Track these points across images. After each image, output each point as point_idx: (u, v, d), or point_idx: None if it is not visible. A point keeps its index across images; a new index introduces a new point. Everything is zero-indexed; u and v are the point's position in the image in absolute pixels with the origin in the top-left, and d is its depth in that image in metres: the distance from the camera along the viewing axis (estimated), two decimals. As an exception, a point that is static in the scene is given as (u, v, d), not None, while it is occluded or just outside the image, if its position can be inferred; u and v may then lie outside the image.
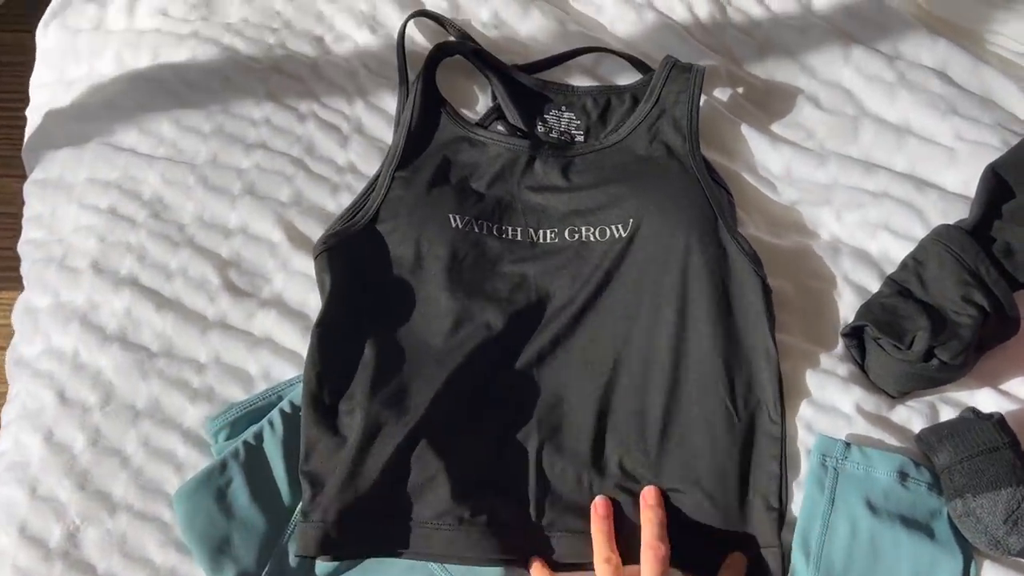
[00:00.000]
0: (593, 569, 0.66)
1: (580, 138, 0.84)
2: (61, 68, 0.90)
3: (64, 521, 0.68)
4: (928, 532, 0.67)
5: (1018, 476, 0.65)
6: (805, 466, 0.70)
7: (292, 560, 0.67)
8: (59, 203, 0.82)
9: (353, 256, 0.74)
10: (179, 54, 0.87)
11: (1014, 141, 0.82)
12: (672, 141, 0.80)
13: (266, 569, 0.66)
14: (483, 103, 0.86)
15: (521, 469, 0.69)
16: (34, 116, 0.90)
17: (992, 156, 0.80)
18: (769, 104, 0.87)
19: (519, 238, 0.77)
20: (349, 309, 0.72)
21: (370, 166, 0.83)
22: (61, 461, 0.70)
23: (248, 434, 0.69)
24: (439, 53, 0.84)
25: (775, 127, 0.86)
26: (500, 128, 0.84)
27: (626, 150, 0.81)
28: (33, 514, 0.69)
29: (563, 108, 0.85)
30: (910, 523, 0.68)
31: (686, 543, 0.66)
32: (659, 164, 0.79)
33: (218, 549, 0.66)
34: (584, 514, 0.68)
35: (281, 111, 0.85)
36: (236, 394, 0.73)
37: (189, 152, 0.83)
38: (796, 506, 0.69)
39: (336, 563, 0.67)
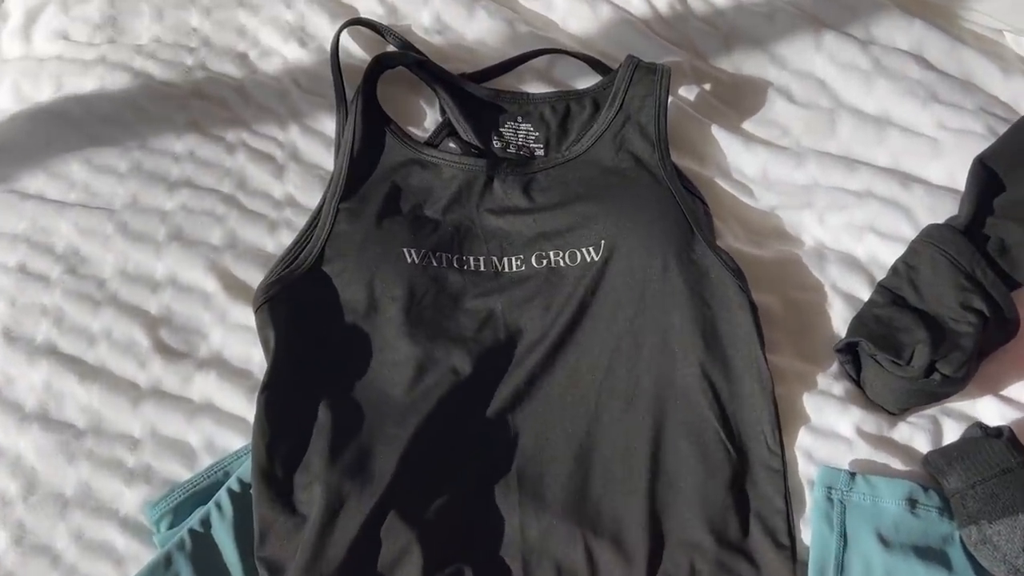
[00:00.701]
0: None
1: (540, 151, 0.78)
2: (-48, 102, 0.81)
3: (-9, 634, 0.61)
4: (943, 561, 0.64)
5: (1035, 498, 0.61)
6: (809, 499, 0.66)
7: None
8: (-40, 260, 0.73)
9: (299, 305, 0.67)
10: (85, 83, 0.80)
11: (998, 126, 0.79)
12: (640, 150, 0.75)
13: None
14: (431, 118, 0.80)
15: (501, 530, 0.64)
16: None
17: (977, 144, 0.77)
18: (739, 101, 0.82)
19: (482, 268, 0.71)
20: (298, 366, 0.66)
21: (311, 197, 0.76)
22: (-18, 564, 0.62)
23: (194, 520, 0.62)
24: (378, 66, 0.78)
25: (747, 125, 0.81)
26: (452, 146, 0.77)
27: (591, 162, 0.75)
28: (-45, 627, 0.61)
29: (519, 119, 0.79)
30: (924, 553, 0.64)
31: None
32: (627, 176, 0.74)
33: None
34: (575, 571, 0.62)
35: (206, 142, 0.78)
36: (177, 471, 0.66)
37: (105, 196, 0.75)
38: (802, 542, 0.65)
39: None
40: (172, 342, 0.70)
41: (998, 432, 0.65)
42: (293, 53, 0.82)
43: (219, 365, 0.69)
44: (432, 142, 0.77)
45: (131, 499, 0.65)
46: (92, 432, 0.66)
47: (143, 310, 0.71)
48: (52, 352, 0.69)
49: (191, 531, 0.62)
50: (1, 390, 0.67)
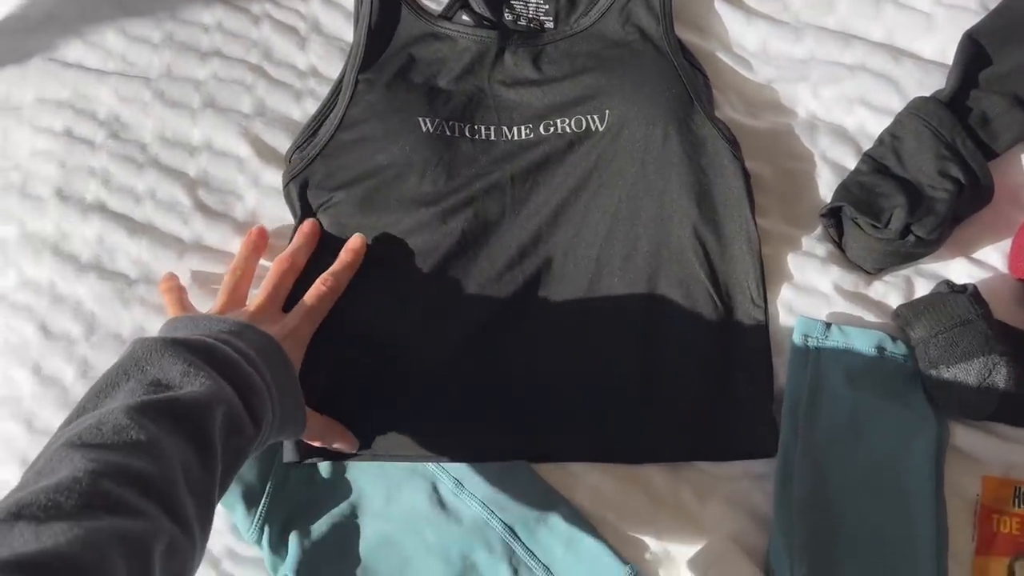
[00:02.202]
0: (584, 460, 0.69)
1: (550, 24, 0.80)
2: (-12, -24, 0.84)
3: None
4: (905, 401, 0.70)
5: (990, 346, 0.68)
6: (788, 345, 0.72)
7: (287, 460, 0.68)
8: (9, 126, 0.78)
9: (317, 179, 0.73)
10: (117, -44, 0.82)
11: (992, 4, 0.80)
12: (645, 23, 0.78)
13: (269, 484, 0.68)
14: (445, -9, 0.82)
15: (511, 367, 0.70)
16: (-33, 31, 0.84)
17: (970, 21, 0.79)
18: (743, -24, 0.84)
19: (492, 137, 0.75)
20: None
21: (333, 68, 0.79)
22: (53, 394, 0.70)
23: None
24: (395, -61, 0.79)
25: (749, 1, 0.83)
26: (465, 19, 0.80)
27: (598, 35, 0.78)
28: (33, 447, 0.69)
29: (529, -8, 0.81)
30: (888, 394, 0.70)
31: (673, 421, 0.69)
32: (633, 49, 0.77)
33: None
34: (579, 414, 0.69)
35: (233, 14, 0.80)
36: (221, 316, 0.72)
37: (141, 65, 0.79)
38: (779, 383, 0.71)
39: (340, 468, 0.70)
40: (211, 202, 0.75)
41: (963, 288, 0.70)
42: (312, -75, 0.84)
43: (255, 224, 0.74)
44: (446, 15, 0.80)
45: (181, 340, 0.72)
46: (143, 280, 0.73)
47: (183, 172, 0.76)
48: (102, 209, 0.74)
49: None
50: (58, 244, 0.73)
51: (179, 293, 0.69)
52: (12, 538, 0.36)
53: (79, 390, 0.70)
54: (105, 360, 0.71)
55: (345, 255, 0.69)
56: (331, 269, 0.68)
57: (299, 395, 0.59)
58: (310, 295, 0.66)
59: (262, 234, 0.72)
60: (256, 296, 0.66)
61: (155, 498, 0.42)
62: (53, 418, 0.70)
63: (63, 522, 0.38)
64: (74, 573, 0.36)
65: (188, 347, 0.51)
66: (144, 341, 0.51)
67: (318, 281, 0.67)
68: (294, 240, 0.70)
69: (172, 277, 0.70)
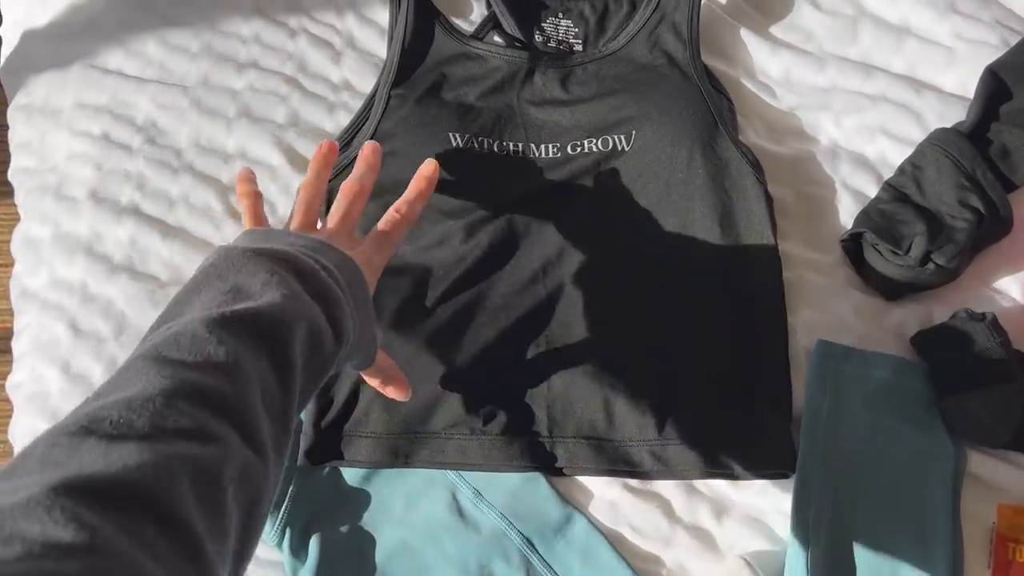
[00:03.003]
0: (599, 475, 0.70)
1: (579, 47, 0.82)
2: (33, -16, 0.86)
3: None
4: (923, 427, 0.71)
5: (1008, 375, 0.68)
6: (807, 367, 0.72)
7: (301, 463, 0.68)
8: (48, 129, 0.80)
9: None
10: (158, -33, 0.84)
11: (1012, 39, 0.82)
12: (672, 48, 0.79)
13: (291, 487, 0.69)
14: (477, 12, 0.84)
15: (530, 382, 0.71)
16: (10, 35, 0.86)
17: (990, 55, 0.80)
18: (769, 6, 0.86)
19: (520, 154, 0.76)
20: None
21: (366, 82, 0.81)
22: (81, 391, 0.71)
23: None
24: (430, -39, 0.82)
25: (774, 30, 0.85)
26: (497, 39, 0.82)
27: (626, 59, 0.80)
28: (59, 443, 0.70)
29: (560, 15, 0.83)
30: (905, 419, 0.71)
31: (691, 439, 0.69)
32: (660, 72, 0.78)
33: None
34: (598, 428, 0.69)
35: (270, 27, 0.83)
36: (249, 320, 0.73)
37: (179, 73, 0.81)
38: (798, 404, 0.71)
39: (361, 474, 0.70)
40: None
41: (982, 317, 0.71)
42: (351, -55, 0.86)
43: (286, 232, 0.76)
44: (477, 35, 0.82)
45: (209, 342, 0.73)
46: (173, 283, 0.74)
47: (216, 179, 0.77)
48: (136, 212, 0.76)
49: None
50: (92, 245, 0.75)
51: (256, 200, 0.64)
52: (81, 454, 0.35)
53: (106, 389, 0.71)
54: (133, 360, 0.72)
55: (419, 182, 0.66)
56: (404, 197, 0.65)
57: (373, 320, 0.56)
58: (384, 223, 0.63)
59: (333, 149, 0.67)
60: (328, 218, 0.63)
61: (230, 421, 0.40)
62: (79, 415, 0.71)
63: (133, 443, 0.36)
64: (140, 499, 0.34)
65: (270, 256, 0.48)
66: (225, 248, 0.49)
67: (391, 209, 0.64)
68: (357, 165, 0.66)
69: (250, 179, 0.66)
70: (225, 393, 0.41)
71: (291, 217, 0.63)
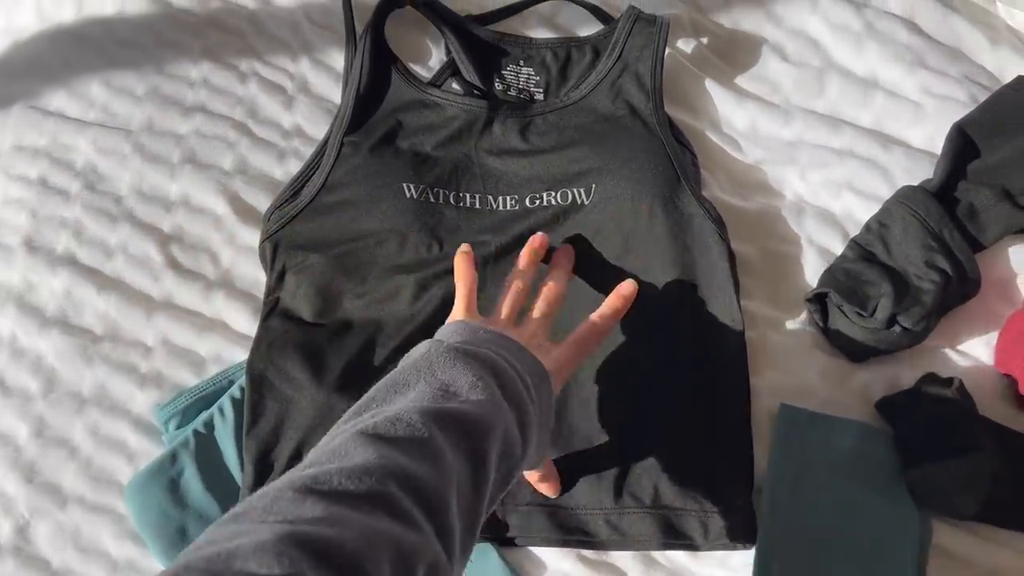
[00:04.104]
0: (553, 545, 0.67)
1: (540, 95, 0.81)
2: (-25, 20, 0.84)
3: (13, 515, 0.67)
4: (887, 496, 0.69)
5: (974, 442, 0.66)
6: (769, 432, 0.70)
7: None
8: (-17, 172, 0.77)
9: (297, 241, 0.72)
10: (105, 7, 0.82)
11: (980, 95, 0.81)
12: (635, 99, 0.78)
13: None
14: (436, 58, 0.83)
15: None
16: (-51, 72, 0.83)
17: (958, 111, 0.79)
18: (734, 56, 0.85)
19: (477, 206, 0.74)
20: None
21: (318, 129, 0.79)
22: (5, 453, 0.68)
23: (198, 422, 0.67)
24: (388, 5, 0.80)
25: (740, 80, 0.84)
26: (456, 87, 0.80)
27: (588, 109, 0.78)
28: (-20, 506, 0.66)
29: (521, 63, 0.81)
30: (870, 488, 0.69)
31: (648, 508, 0.66)
32: (622, 124, 0.77)
33: (173, 541, 0.65)
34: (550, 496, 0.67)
35: (220, 70, 0.80)
36: (186, 378, 0.70)
37: (123, 117, 0.78)
38: (760, 470, 0.69)
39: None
40: (184, 260, 0.74)
41: (949, 382, 0.69)
42: (306, -13, 0.85)
43: (227, 285, 0.73)
44: (436, 82, 0.80)
45: (142, 401, 0.69)
46: (108, 338, 0.71)
47: (157, 228, 0.74)
48: (72, 262, 0.73)
49: (195, 432, 0.67)
50: (23, 295, 0.72)
51: (473, 286, 0.66)
52: (303, 510, 0.38)
53: (32, 450, 0.68)
54: (62, 420, 0.68)
55: (616, 299, 0.68)
56: (601, 310, 0.66)
57: (552, 426, 0.59)
58: (579, 332, 0.65)
59: (543, 243, 0.70)
60: (528, 319, 0.65)
61: (430, 514, 0.43)
62: (2, 479, 0.67)
63: (350, 509, 0.39)
64: (347, 562, 0.37)
65: (477, 359, 0.52)
66: (437, 345, 0.53)
67: (590, 318, 0.66)
68: (554, 271, 0.69)
69: (471, 258, 0.68)
70: (431, 486, 0.44)
71: (498, 308, 0.65)
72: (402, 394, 0.49)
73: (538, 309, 0.66)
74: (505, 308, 0.65)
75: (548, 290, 0.67)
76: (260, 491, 0.40)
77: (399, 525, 0.40)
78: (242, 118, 0.79)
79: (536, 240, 0.70)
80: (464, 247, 0.69)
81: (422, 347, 0.53)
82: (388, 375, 0.52)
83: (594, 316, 0.66)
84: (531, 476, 0.64)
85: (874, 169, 0.79)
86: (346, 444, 0.44)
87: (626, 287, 0.68)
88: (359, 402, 0.49)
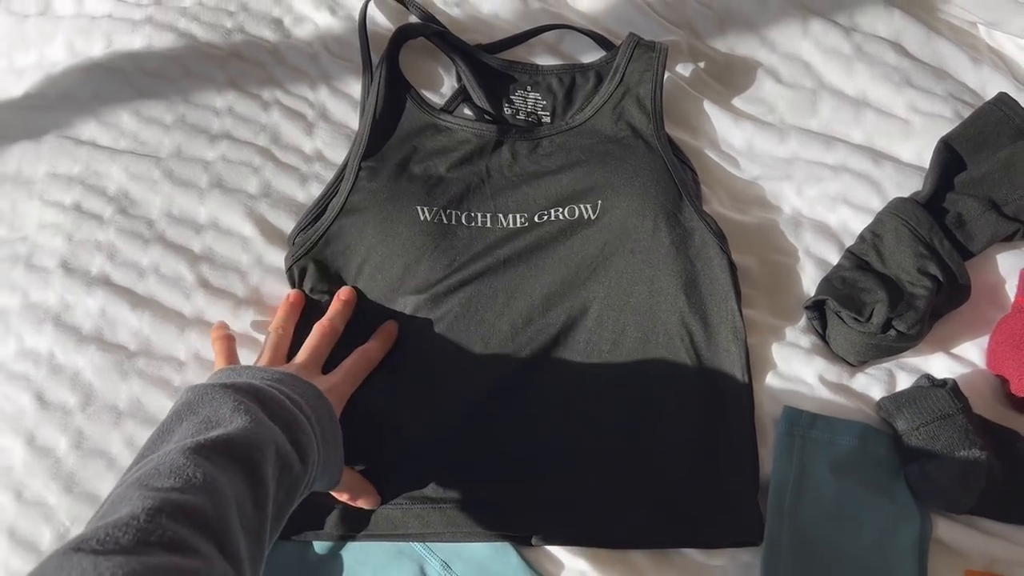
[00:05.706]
0: (570, 545, 0.69)
1: (547, 119, 0.84)
2: (9, 56, 0.88)
3: (54, 524, 0.69)
4: (888, 494, 0.71)
5: (970, 440, 0.69)
6: (773, 435, 0.73)
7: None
8: (19, 199, 0.80)
9: (319, 263, 0.75)
10: (134, 41, 0.85)
11: (965, 111, 0.85)
12: (637, 121, 0.81)
13: None
14: (448, 85, 0.86)
15: (499, 449, 0.71)
16: (-16, 105, 0.87)
17: (944, 127, 0.83)
18: (731, 79, 0.88)
19: (488, 224, 0.77)
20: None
21: (338, 153, 0.82)
22: (46, 464, 0.70)
23: None
24: (402, 35, 0.84)
25: (737, 102, 0.88)
26: (467, 112, 0.84)
27: (592, 131, 0.82)
28: (22, 518, 0.69)
29: (529, 88, 0.85)
30: (871, 486, 0.72)
31: (659, 508, 0.69)
32: (625, 144, 0.80)
33: None
34: (565, 497, 0.69)
35: (244, 99, 0.84)
36: (218, 391, 0.73)
37: (152, 144, 0.81)
38: (765, 471, 0.72)
39: (328, 547, 0.69)
40: (213, 279, 0.77)
41: (943, 383, 0.72)
42: (324, 20, 0.88)
43: (255, 303, 0.76)
44: (448, 108, 0.84)
45: (176, 413, 0.73)
46: (142, 354, 0.74)
47: (188, 249, 0.77)
48: (106, 282, 0.75)
49: None
50: (61, 315, 0.74)
51: (229, 343, 0.71)
52: (70, 568, 0.38)
53: (71, 461, 0.70)
54: (100, 432, 0.72)
55: (383, 334, 0.72)
56: (370, 344, 0.71)
57: (340, 443, 0.61)
58: (351, 359, 0.69)
59: (299, 298, 0.74)
60: (299, 354, 0.69)
61: (210, 536, 0.44)
62: (44, 489, 0.70)
63: (120, 556, 0.39)
64: None
65: (236, 389, 0.55)
66: (195, 387, 0.55)
67: (359, 349, 0.70)
68: (332, 306, 0.73)
69: (224, 326, 0.73)
70: (205, 510, 0.44)
71: (259, 357, 0.69)
72: (167, 440, 0.51)
73: (306, 344, 0.69)
74: (265, 355, 0.69)
75: (319, 325, 0.71)
76: (41, 561, 0.41)
77: (176, 555, 0.41)
78: (266, 144, 0.82)
79: (292, 295, 0.73)
80: (217, 331, 0.72)
81: (182, 395, 0.56)
82: (157, 427, 0.54)
83: (362, 347, 0.70)
84: (342, 497, 0.66)
85: (866, 183, 0.83)
86: (114, 502, 0.45)
87: (390, 326, 0.73)
88: (131, 462, 0.51)
